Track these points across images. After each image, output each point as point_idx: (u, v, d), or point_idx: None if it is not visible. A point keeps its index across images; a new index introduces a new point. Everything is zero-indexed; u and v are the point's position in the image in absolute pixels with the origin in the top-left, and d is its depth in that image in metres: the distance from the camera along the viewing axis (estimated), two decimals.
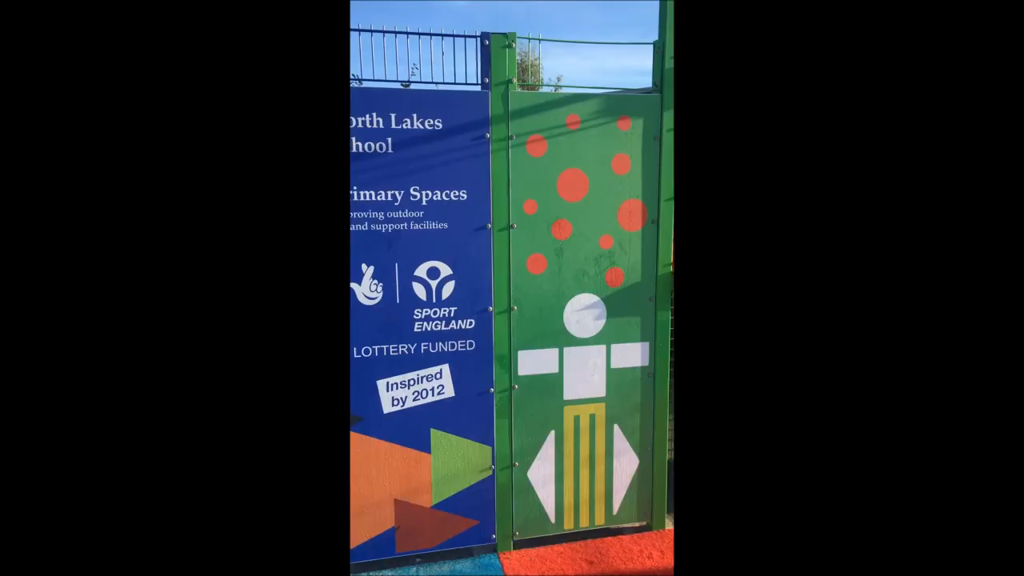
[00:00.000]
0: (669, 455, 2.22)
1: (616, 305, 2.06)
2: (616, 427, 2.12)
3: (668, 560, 2.01)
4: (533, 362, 2.03)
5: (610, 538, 2.13)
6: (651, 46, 1.99)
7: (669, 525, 2.21)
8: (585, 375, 2.07)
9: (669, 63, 1.96)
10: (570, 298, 2.03)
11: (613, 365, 2.09)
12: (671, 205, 2.04)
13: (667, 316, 2.11)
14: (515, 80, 1.88)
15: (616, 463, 2.14)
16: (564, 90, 2.05)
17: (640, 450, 2.15)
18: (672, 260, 2.07)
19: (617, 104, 1.96)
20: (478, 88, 1.89)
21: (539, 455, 2.08)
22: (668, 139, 2.00)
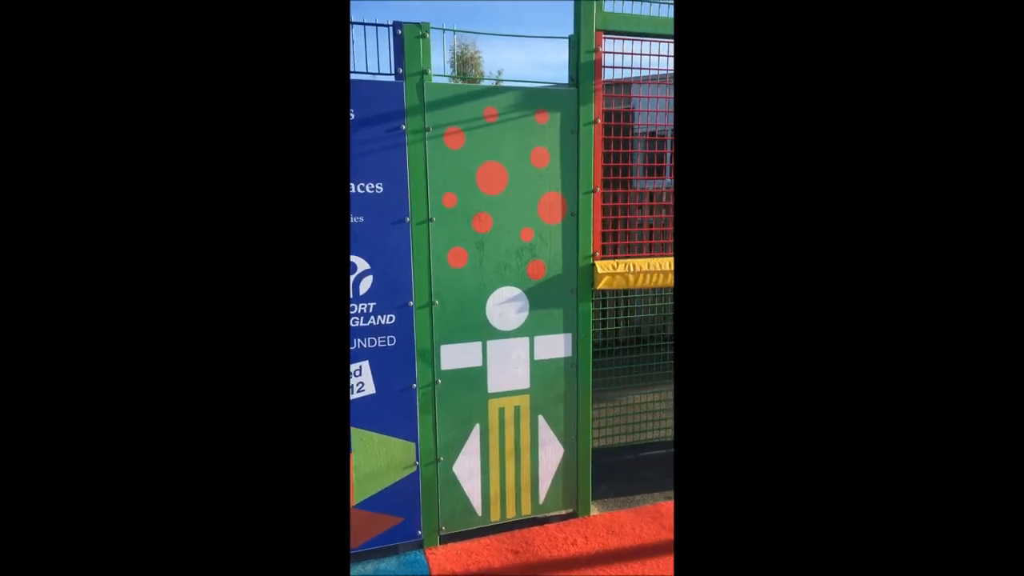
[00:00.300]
0: (593, 443, 2.27)
1: (538, 297, 2.08)
2: (541, 417, 2.15)
3: (592, 545, 2.06)
4: (456, 356, 2.02)
5: (536, 527, 2.16)
6: (567, 40, 2.01)
7: (594, 511, 2.27)
8: (509, 367, 2.09)
9: (584, 58, 1.99)
10: (492, 291, 2.03)
11: (536, 357, 2.12)
12: (590, 198, 2.08)
13: (588, 307, 2.15)
14: (430, 71, 1.86)
15: (541, 453, 2.17)
16: (504, 83, 2.03)
17: (565, 439, 2.19)
18: (593, 252, 2.11)
19: (534, 98, 1.97)
20: (392, 79, 1.85)
21: (464, 449, 2.07)
22: (586, 133, 2.03)
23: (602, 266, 2.11)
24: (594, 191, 2.08)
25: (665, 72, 2.22)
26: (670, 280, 2.19)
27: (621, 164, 2.27)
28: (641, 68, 2.14)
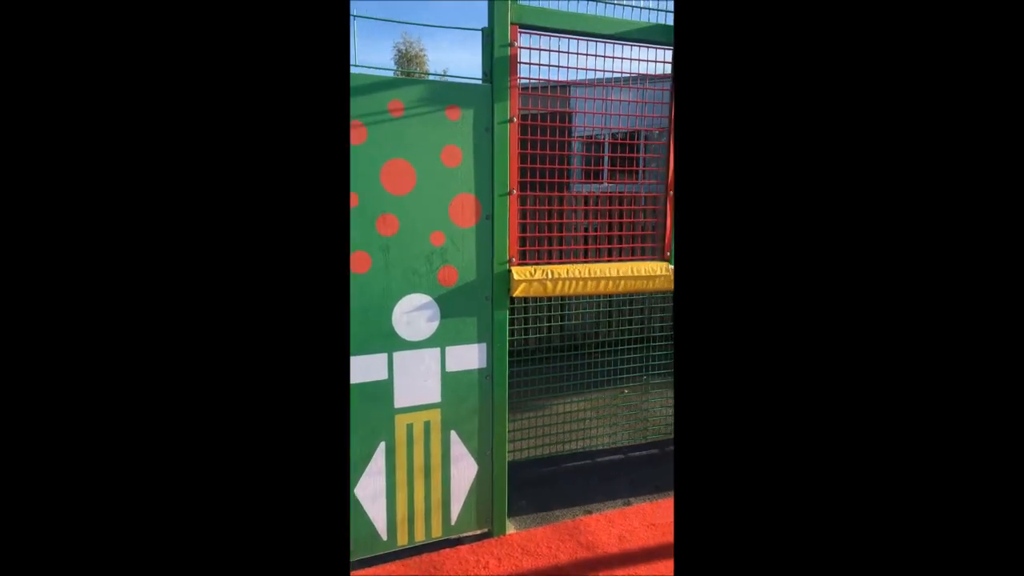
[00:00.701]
0: (510, 457, 2.17)
1: (450, 305, 1.96)
2: (453, 433, 2.02)
3: (505, 567, 1.95)
4: (358, 369, 1.86)
5: (447, 549, 2.03)
6: (480, 32, 1.89)
7: (511, 529, 2.16)
8: (418, 380, 1.95)
9: (499, 52, 1.88)
10: (399, 298, 1.89)
11: (448, 368, 1.99)
12: (506, 200, 1.97)
13: (504, 316, 2.04)
14: None
15: (454, 470, 2.04)
16: (447, 80, 1.89)
17: (479, 455, 2.07)
18: (509, 257, 2.00)
19: (444, 92, 1.85)
20: None
21: (368, 469, 1.92)
22: (500, 131, 1.92)
23: (519, 272, 2.00)
24: (510, 193, 1.97)
25: (596, 73, 2.14)
26: (591, 287, 2.12)
27: (545, 166, 2.17)
28: (563, 67, 2.04)
